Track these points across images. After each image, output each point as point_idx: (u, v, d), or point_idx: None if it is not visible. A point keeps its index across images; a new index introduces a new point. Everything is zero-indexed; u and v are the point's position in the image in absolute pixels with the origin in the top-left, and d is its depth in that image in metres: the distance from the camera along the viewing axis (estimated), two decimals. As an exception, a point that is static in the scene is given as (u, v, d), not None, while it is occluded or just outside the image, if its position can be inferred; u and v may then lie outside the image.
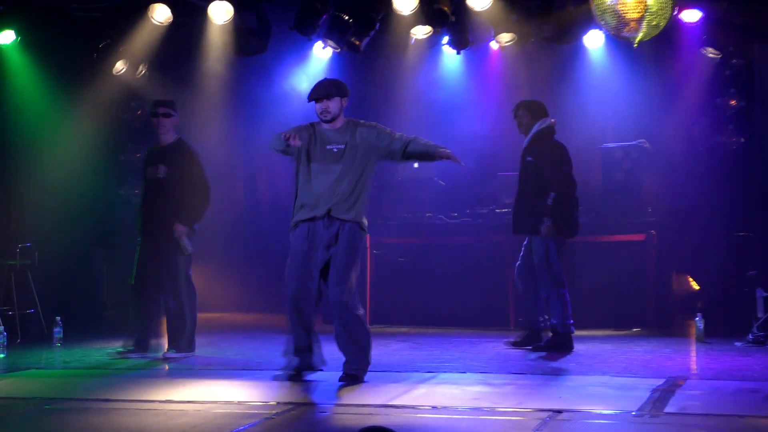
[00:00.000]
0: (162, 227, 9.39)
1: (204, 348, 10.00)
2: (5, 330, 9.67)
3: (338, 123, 7.82)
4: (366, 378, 7.73)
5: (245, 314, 12.76)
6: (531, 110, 9.67)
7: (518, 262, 9.68)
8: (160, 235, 9.41)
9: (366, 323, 7.84)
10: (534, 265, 9.44)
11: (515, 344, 9.56)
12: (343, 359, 7.80)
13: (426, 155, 7.88)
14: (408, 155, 7.87)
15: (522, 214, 9.47)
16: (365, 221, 7.85)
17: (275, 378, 7.86)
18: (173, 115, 9.58)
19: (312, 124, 7.91)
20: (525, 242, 9.56)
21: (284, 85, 13.02)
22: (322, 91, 7.76)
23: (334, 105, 7.75)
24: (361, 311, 7.79)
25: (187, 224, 9.41)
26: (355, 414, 6.62)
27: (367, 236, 8.13)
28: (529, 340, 9.55)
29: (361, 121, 7.94)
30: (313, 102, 7.81)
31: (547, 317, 9.45)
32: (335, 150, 7.74)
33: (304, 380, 7.83)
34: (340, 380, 7.69)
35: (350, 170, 7.74)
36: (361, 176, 7.77)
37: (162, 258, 9.44)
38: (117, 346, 9.64)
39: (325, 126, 7.85)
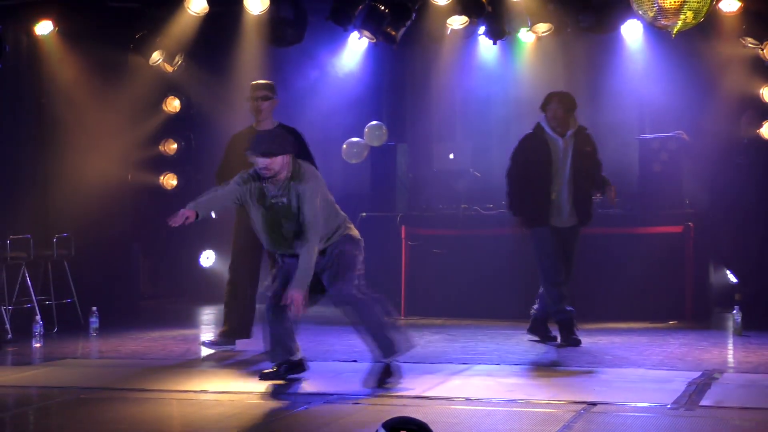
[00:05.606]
0: None
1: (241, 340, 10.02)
2: (42, 319, 9.74)
3: (281, 174, 7.02)
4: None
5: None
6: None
7: None
8: None
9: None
10: None
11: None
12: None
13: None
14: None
15: None
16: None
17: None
18: (272, 97, 9.01)
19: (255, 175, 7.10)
20: None
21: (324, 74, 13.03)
22: (263, 147, 6.96)
23: (276, 163, 6.96)
24: None
25: None
26: (388, 405, 6.61)
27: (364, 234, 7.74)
28: None
29: (304, 176, 7.09)
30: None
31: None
32: (278, 204, 7.06)
33: (336, 371, 7.84)
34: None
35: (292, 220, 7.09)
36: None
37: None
38: (153, 335, 9.65)
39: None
